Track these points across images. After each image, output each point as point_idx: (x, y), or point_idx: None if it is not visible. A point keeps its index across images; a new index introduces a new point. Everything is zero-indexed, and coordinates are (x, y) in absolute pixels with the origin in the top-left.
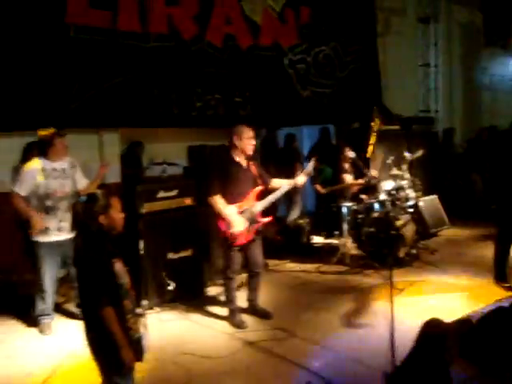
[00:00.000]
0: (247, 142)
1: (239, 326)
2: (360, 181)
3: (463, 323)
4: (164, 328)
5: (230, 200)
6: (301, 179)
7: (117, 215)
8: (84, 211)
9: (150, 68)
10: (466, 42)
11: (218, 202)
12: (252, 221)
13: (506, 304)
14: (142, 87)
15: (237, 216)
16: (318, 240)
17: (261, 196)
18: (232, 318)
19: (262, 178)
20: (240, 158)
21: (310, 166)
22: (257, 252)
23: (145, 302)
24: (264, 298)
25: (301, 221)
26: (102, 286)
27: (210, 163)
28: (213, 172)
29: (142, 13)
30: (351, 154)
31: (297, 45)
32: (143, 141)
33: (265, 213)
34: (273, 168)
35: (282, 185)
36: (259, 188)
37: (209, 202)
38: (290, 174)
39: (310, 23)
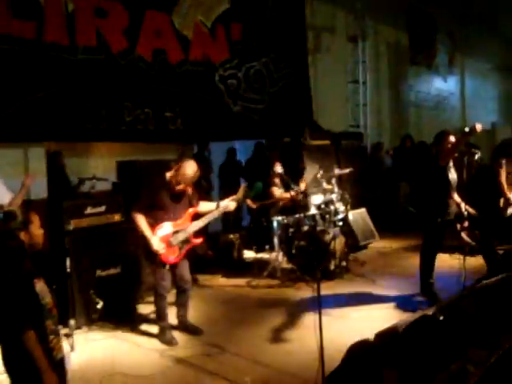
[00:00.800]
0: (188, 178)
1: (170, 343)
2: (288, 195)
3: (389, 333)
4: (92, 348)
5: (164, 220)
6: (231, 205)
7: (37, 231)
8: (1, 230)
9: (78, 81)
10: (393, 60)
11: (140, 219)
12: (185, 241)
13: (429, 313)
14: (70, 100)
15: (155, 237)
16: (249, 254)
17: (195, 217)
18: (162, 336)
19: (195, 200)
20: (175, 184)
21: (240, 192)
22: (184, 268)
23: (72, 322)
24: (195, 314)
25: (231, 236)
26: (23, 308)
27: (139, 179)
28: (144, 190)
29: (69, 24)
30: (279, 168)
31: (228, 60)
32: (71, 155)
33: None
34: (207, 184)
35: (208, 209)
36: (194, 209)
37: (132, 217)
38: (234, 188)
39: (241, 39)
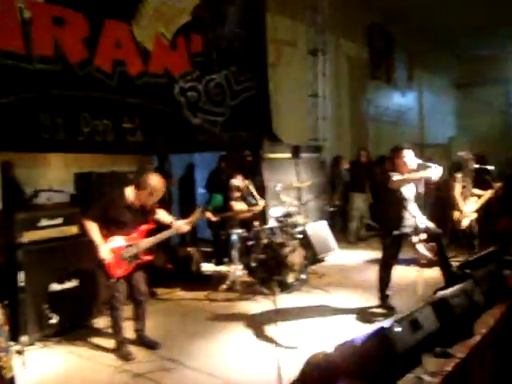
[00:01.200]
0: (161, 191)
1: (126, 357)
2: (245, 208)
3: (347, 345)
4: (45, 364)
5: (117, 233)
6: (184, 228)
7: None
8: None
9: (34, 90)
10: (353, 74)
11: (90, 226)
12: (134, 257)
13: (386, 325)
14: (26, 110)
15: (105, 245)
16: (208, 267)
17: (149, 233)
18: (119, 350)
19: (151, 216)
20: (133, 199)
21: (195, 215)
22: (139, 280)
23: (24, 338)
24: (152, 328)
25: (190, 249)
26: None
27: (96, 190)
28: (99, 200)
29: (25, 33)
30: (237, 181)
31: (188, 72)
32: (28, 166)
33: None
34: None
35: (165, 220)
36: (148, 226)
37: (83, 224)
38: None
39: (201, 51)
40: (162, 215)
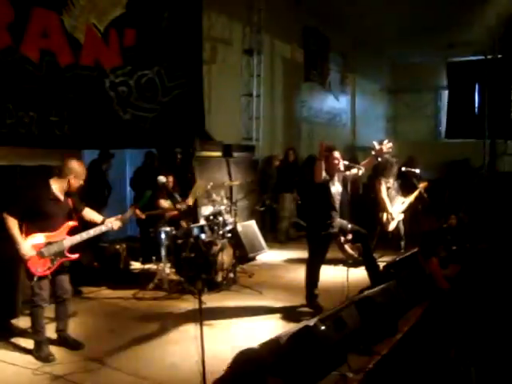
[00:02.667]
0: (82, 172)
1: (46, 359)
2: (170, 206)
3: (273, 343)
4: None
5: (40, 229)
6: (116, 225)
7: None
8: None
9: None
10: (288, 75)
11: (11, 222)
12: (58, 254)
13: (311, 323)
14: None
15: (26, 242)
16: (136, 266)
17: (74, 231)
18: (38, 351)
19: (76, 212)
20: (58, 191)
21: (128, 213)
22: (63, 278)
23: None
24: (76, 328)
25: (118, 246)
26: None
27: (20, 185)
28: (22, 195)
29: None
30: (163, 179)
31: (119, 67)
32: None
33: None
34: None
35: (93, 218)
36: (72, 223)
37: (4, 219)
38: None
39: (134, 46)
40: (91, 214)
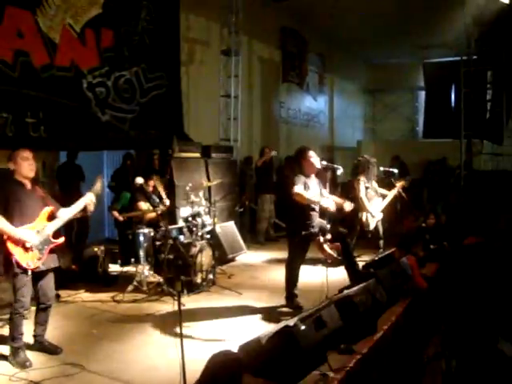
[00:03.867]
0: (23, 163)
1: (23, 365)
2: (149, 208)
3: (252, 344)
4: None
5: (17, 224)
6: (90, 197)
7: None
8: None
9: None
10: (266, 76)
11: None
12: (45, 242)
13: (291, 323)
14: None
15: (25, 230)
16: (114, 268)
17: (51, 217)
18: (15, 357)
19: (49, 200)
20: (24, 181)
21: (97, 184)
22: (50, 283)
23: None
24: (54, 332)
25: (96, 249)
26: None
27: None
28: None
29: None
30: (140, 180)
31: (97, 67)
32: None
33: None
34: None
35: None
36: (49, 208)
37: None
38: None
39: (111, 46)
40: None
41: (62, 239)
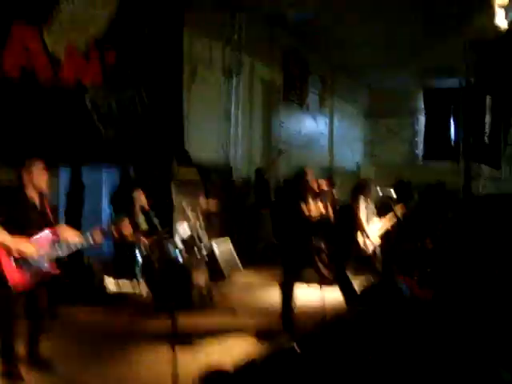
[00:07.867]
0: (39, 173)
1: (15, 381)
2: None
3: (247, 365)
4: None
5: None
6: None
7: None
8: None
9: None
10: (267, 97)
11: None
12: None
13: (288, 345)
14: None
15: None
16: (109, 283)
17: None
18: (6, 374)
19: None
20: (34, 197)
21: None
22: (41, 296)
23: None
24: (46, 347)
25: (91, 262)
26: None
27: None
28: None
29: None
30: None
31: (100, 85)
32: None
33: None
34: None
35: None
36: (52, 234)
37: None
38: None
39: (115, 65)
40: (65, 231)
41: (57, 271)
